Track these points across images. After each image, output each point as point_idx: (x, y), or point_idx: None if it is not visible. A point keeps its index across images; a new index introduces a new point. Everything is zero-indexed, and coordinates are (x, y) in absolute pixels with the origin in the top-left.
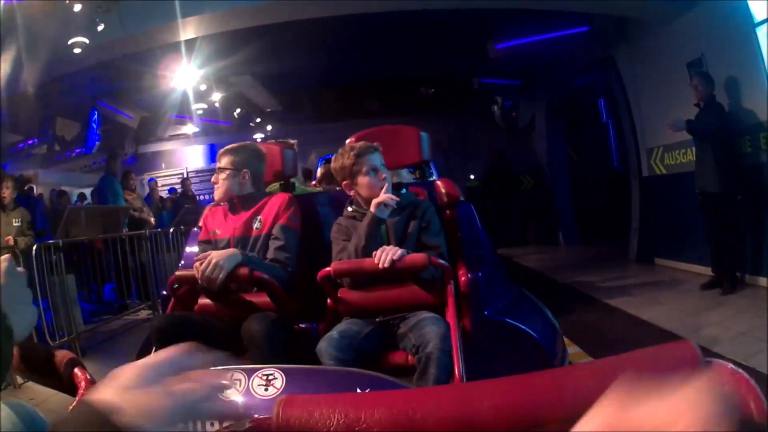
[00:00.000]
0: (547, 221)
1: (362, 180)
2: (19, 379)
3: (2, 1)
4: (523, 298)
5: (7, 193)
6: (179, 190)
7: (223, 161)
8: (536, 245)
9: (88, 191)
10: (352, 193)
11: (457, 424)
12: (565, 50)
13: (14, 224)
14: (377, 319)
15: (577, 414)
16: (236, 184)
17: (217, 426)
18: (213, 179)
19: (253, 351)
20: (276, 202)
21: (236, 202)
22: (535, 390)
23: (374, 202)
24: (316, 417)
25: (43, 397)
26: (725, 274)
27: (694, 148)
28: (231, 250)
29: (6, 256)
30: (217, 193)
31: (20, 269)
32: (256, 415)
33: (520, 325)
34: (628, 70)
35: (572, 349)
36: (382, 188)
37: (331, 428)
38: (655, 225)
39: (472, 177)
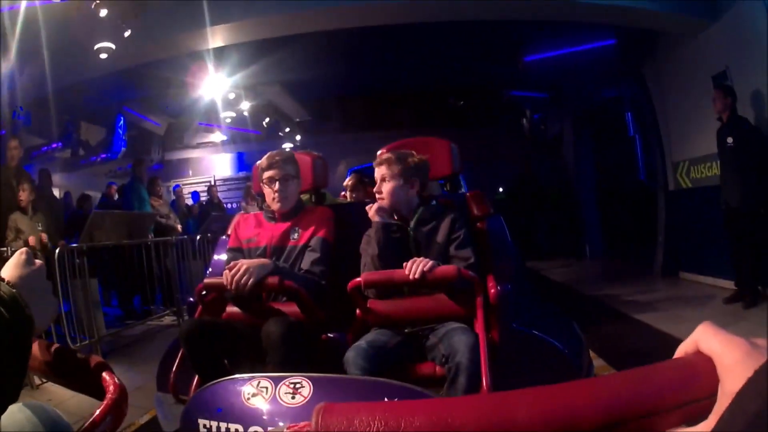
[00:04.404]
0: (573, 234)
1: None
2: (37, 380)
3: (24, 3)
4: (550, 311)
5: (25, 195)
6: (203, 199)
7: (288, 168)
8: (563, 258)
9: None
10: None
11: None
12: (593, 63)
13: (38, 228)
14: (406, 330)
15: (610, 423)
16: (297, 191)
17: None
18: (269, 189)
19: (270, 353)
20: (316, 215)
21: (277, 213)
22: (571, 399)
23: (371, 212)
24: (355, 424)
25: (61, 398)
26: (747, 288)
27: (718, 162)
28: (263, 260)
29: (23, 249)
30: (284, 202)
31: (38, 261)
32: (286, 423)
33: (546, 338)
34: (654, 83)
35: (597, 362)
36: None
37: None
38: (680, 239)
39: (500, 190)
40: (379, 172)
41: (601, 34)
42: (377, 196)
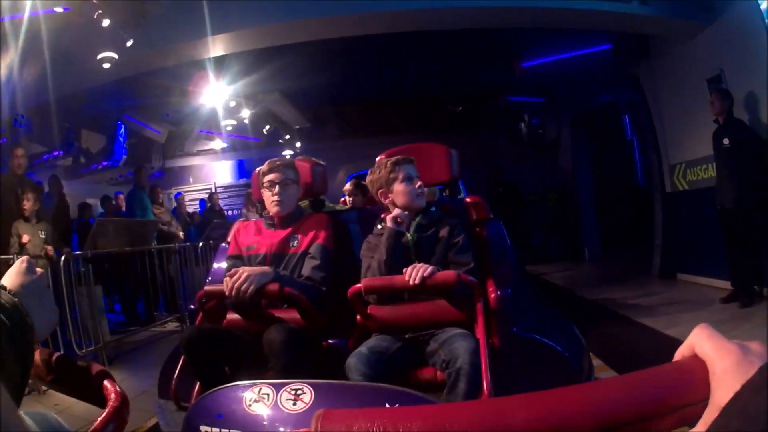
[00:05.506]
0: (572, 237)
1: (398, 187)
2: (43, 386)
3: (27, 12)
4: (550, 315)
5: (29, 204)
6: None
7: (288, 173)
8: (561, 262)
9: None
10: (387, 201)
11: None
12: (589, 68)
13: (40, 236)
14: (406, 336)
15: (606, 427)
16: (296, 197)
17: None
18: (269, 192)
19: (272, 360)
20: (314, 221)
21: (276, 219)
22: (567, 404)
23: (388, 217)
24: (354, 430)
25: (67, 404)
26: (743, 287)
27: (714, 164)
28: (263, 268)
29: (24, 257)
30: (283, 206)
31: (39, 270)
32: (287, 430)
33: (547, 342)
34: (650, 86)
35: (597, 364)
36: (417, 195)
37: None
38: (677, 241)
39: None
40: (414, 171)
41: (597, 39)
42: (418, 190)
